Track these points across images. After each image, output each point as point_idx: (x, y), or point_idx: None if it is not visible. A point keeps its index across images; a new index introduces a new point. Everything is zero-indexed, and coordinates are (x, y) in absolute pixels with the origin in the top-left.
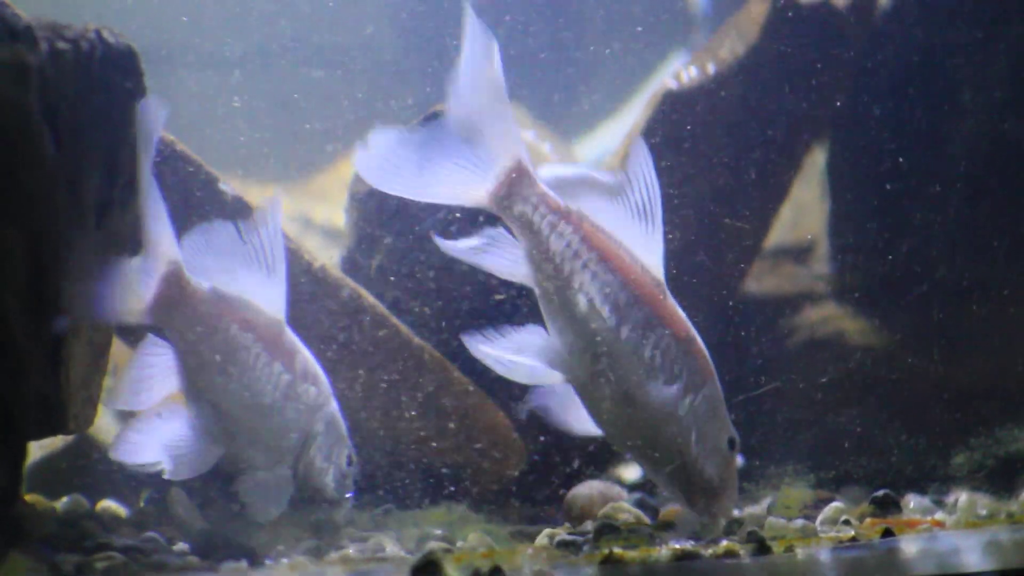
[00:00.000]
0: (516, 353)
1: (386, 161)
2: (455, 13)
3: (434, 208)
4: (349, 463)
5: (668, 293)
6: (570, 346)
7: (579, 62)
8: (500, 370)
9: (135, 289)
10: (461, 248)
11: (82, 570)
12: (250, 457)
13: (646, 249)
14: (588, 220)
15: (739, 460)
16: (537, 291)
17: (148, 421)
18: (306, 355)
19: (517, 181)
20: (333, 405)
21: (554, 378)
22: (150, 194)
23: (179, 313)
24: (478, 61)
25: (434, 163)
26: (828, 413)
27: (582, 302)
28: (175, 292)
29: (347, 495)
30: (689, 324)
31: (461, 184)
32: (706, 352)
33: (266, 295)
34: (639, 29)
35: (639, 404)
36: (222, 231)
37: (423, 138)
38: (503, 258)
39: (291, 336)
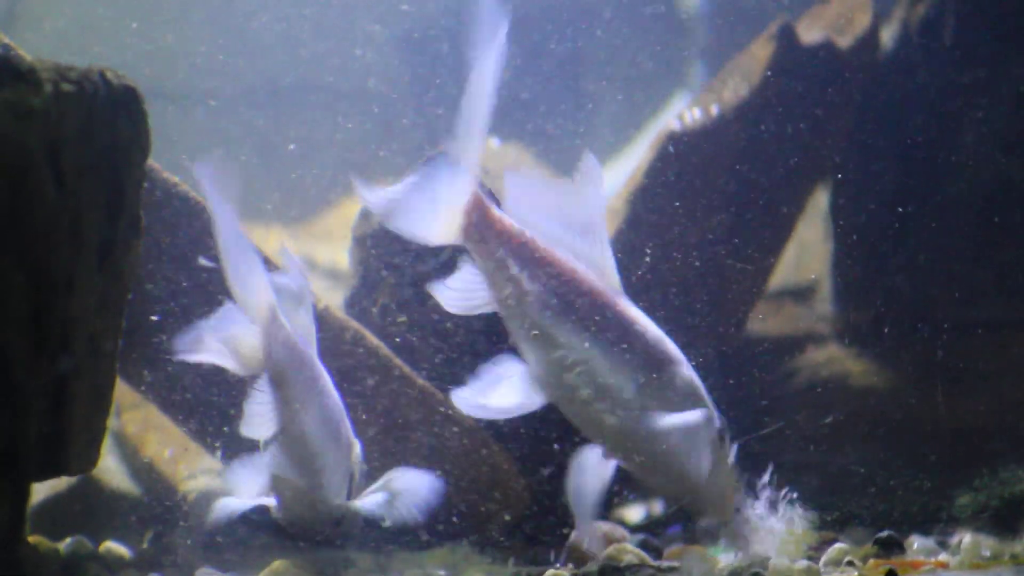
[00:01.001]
0: (495, 387)
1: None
2: (457, 53)
3: (437, 250)
4: None
5: (626, 297)
6: (543, 365)
7: (581, 102)
8: (486, 415)
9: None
10: (449, 299)
11: None
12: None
13: (600, 259)
14: (539, 240)
15: (732, 451)
16: (503, 315)
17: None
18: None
19: (469, 213)
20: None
21: (536, 402)
22: (240, 250)
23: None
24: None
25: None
26: (831, 454)
27: (545, 318)
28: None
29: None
30: (650, 321)
31: (435, 226)
32: (671, 343)
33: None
34: (636, 67)
35: (616, 404)
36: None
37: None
38: (473, 293)
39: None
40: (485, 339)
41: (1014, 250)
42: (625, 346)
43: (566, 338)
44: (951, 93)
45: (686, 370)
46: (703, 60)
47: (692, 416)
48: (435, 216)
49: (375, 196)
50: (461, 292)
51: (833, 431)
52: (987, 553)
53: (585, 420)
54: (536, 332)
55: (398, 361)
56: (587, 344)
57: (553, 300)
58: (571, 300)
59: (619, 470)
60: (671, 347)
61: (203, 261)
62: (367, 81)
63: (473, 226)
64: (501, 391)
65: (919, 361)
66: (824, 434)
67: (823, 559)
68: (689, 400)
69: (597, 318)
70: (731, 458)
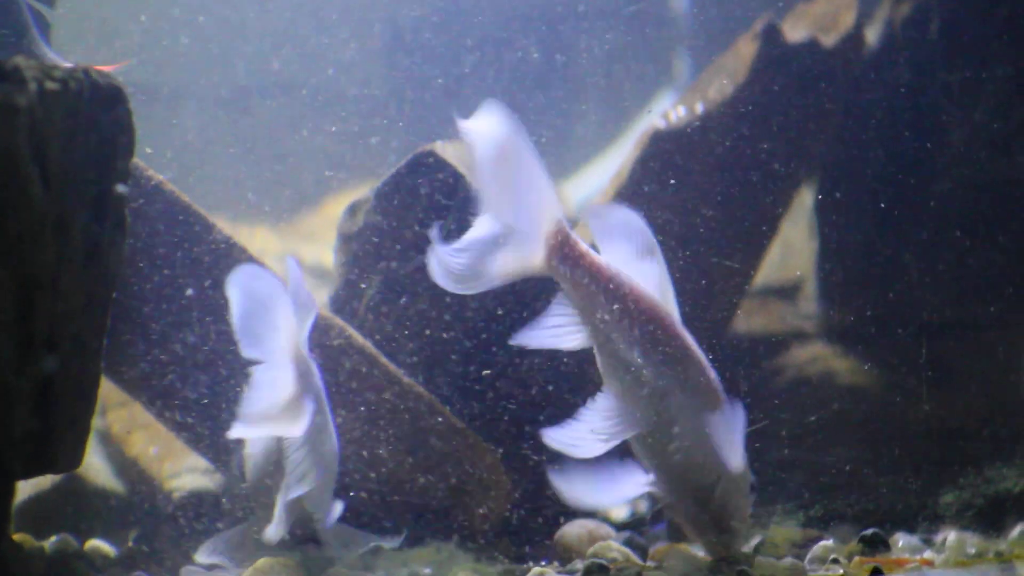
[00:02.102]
0: (588, 424)
1: (450, 270)
2: (444, 52)
3: (422, 249)
4: None
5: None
6: (635, 402)
7: (567, 101)
8: (579, 453)
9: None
10: (534, 336)
11: None
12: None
13: (662, 290)
14: (625, 275)
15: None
16: (595, 349)
17: None
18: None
19: (559, 245)
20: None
21: (627, 435)
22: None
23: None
24: (492, 140)
25: (488, 255)
26: (816, 452)
27: (635, 356)
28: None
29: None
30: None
31: (517, 262)
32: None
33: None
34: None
35: (696, 452)
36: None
37: (472, 240)
38: (565, 327)
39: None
40: (470, 338)
41: (999, 249)
42: (696, 384)
43: (654, 373)
44: (936, 92)
45: (734, 412)
46: (688, 58)
47: (741, 465)
48: (516, 244)
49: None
50: (554, 331)
51: (818, 429)
52: (972, 551)
53: (652, 454)
54: (625, 369)
55: (383, 360)
56: (670, 379)
57: (640, 336)
58: (656, 336)
59: None
60: (720, 387)
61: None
62: (353, 82)
63: (557, 254)
64: (598, 429)
65: (904, 360)
66: (809, 432)
67: (808, 556)
68: (733, 442)
69: (678, 355)
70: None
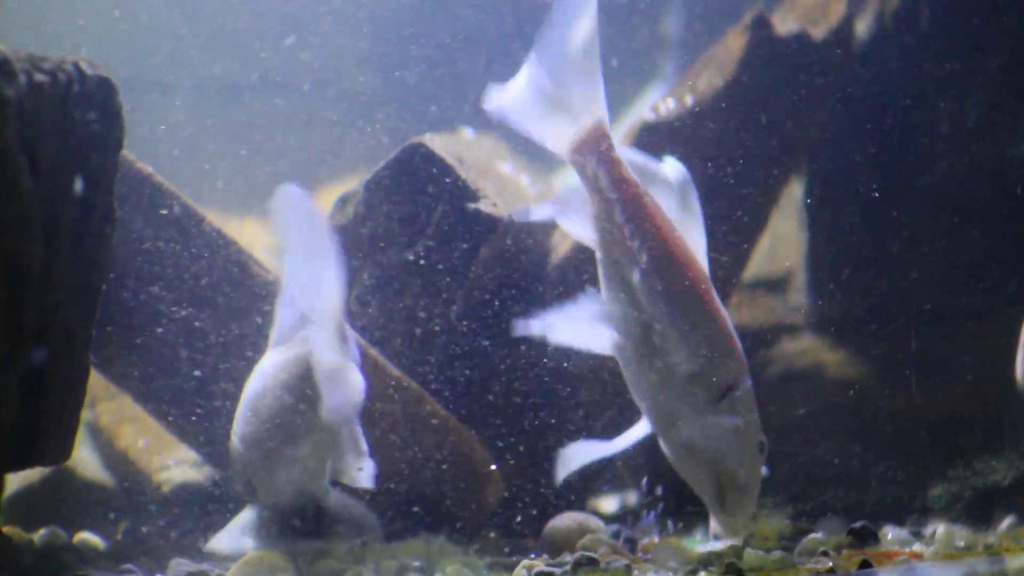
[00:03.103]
0: (570, 315)
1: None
2: (433, 45)
3: (413, 238)
4: None
5: (713, 288)
6: (623, 318)
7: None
8: (552, 334)
9: None
10: (539, 211)
11: None
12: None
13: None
14: (653, 199)
15: (763, 469)
16: (598, 255)
17: None
18: None
19: (595, 141)
20: None
21: (603, 344)
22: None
23: None
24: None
25: (535, 101)
26: (806, 444)
27: (637, 277)
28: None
29: None
30: (730, 321)
31: (551, 129)
32: (743, 352)
33: None
34: (614, 63)
35: (682, 393)
36: None
37: (532, 73)
38: (574, 218)
39: None
40: (460, 329)
41: (988, 241)
42: (704, 341)
43: (653, 305)
44: (925, 84)
45: (746, 380)
46: (675, 51)
47: (744, 422)
48: (556, 115)
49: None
50: (579, 327)
51: (807, 422)
52: (961, 543)
53: (640, 387)
54: (625, 286)
55: (373, 351)
56: (670, 321)
57: (651, 264)
58: (667, 274)
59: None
60: (739, 351)
61: None
62: (343, 75)
63: (588, 147)
64: (575, 318)
65: (893, 352)
66: (798, 425)
67: (797, 549)
68: (743, 407)
69: (686, 301)
70: (762, 472)
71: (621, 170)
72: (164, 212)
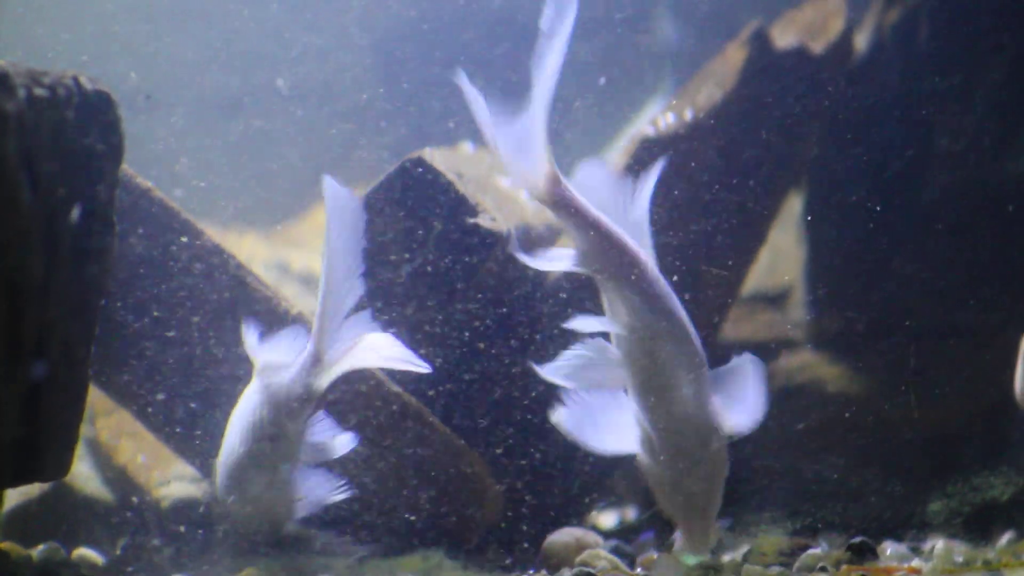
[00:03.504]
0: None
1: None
2: (431, 56)
3: (412, 252)
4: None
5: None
6: (631, 342)
7: (554, 107)
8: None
9: None
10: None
11: None
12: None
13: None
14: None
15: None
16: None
17: None
18: None
19: (550, 186)
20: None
21: (617, 381)
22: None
23: None
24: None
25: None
26: (805, 460)
27: (635, 299)
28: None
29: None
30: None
31: (527, 176)
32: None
33: None
34: (603, 81)
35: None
36: None
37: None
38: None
39: None
40: (458, 343)
41: (987, 256)
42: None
43: (651, 318)
44: (925, 98)
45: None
46: (673, 66)
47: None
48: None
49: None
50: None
51: (806, 437)
52: (960, 559)
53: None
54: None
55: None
56: (671, 330)
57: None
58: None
59: None
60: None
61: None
62: (343, 88)
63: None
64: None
65: (892, 367)
66: (797, 440)
67: (796, 565)
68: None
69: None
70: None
71: (576, 202)
72: (163, 226)
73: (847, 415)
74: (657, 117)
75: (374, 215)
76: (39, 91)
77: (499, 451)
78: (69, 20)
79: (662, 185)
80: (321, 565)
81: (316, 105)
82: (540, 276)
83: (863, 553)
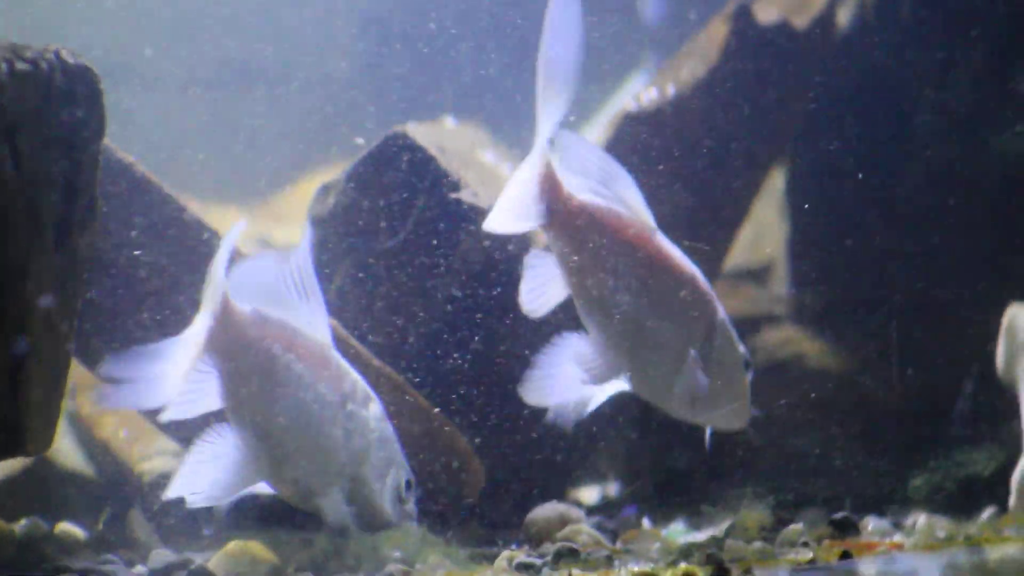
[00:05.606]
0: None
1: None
2: (417, 34)
3: (394, 227)
4: (408, 487)
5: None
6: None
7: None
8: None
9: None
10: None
11: None
12: (297, 480)
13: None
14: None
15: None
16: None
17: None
18: (355, 377)
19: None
20: (387, 428)
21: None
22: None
23: (223, 336)
24: None
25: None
26: (787, 435)
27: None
28: (220, 315)
29: (409, 521)
30: (689, 260)
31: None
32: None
33: (308, 319)
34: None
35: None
36: (260, 262)
37: None
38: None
39: (338, 358)
40: (439, 320)
41: (969, 231)
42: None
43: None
44: (908, 74)
45: (719, 313)
46: (654, 41)
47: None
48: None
49: None
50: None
51: (789, 412)
52: (942, 534)
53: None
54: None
55: (354, 341)
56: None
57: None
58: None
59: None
60: (710, 295)
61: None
62: (326, 63)
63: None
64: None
65: (875, 343)
66: (780, 415)
67: (778, 540)
68: (722, 338)
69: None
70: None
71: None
72: (145, 201)
73: (829, 390)
74: (640, 92)
75: (356, 189)
76: (21, 65)
77: (482, 424)
78: None
79: (645, 161)
80: (305, 540)
81: (298, 80)
82: (521, 250)
83: (845, 528)
